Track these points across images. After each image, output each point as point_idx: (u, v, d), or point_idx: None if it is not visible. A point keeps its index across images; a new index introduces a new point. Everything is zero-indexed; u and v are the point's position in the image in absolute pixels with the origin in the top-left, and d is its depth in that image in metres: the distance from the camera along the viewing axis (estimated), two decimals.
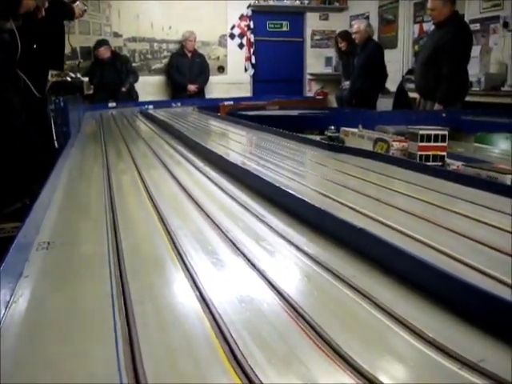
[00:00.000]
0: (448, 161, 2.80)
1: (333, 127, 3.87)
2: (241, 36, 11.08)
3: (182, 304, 1.12)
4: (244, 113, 5.99)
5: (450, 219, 1.72)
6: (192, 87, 9.83)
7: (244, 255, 1.40)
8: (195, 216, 1.81)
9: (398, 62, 9.27)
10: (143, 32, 10.46)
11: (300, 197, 1.77)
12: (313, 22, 11.52)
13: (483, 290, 1.00)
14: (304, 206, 1.72)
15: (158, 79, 10.51)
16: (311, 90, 11.52)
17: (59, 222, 1.76)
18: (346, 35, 8.56)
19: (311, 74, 11.60)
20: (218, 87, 10.59)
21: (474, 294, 1.01)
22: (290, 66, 11.48)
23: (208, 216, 1.79)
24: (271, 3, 11.20)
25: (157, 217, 1.79)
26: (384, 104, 7.69)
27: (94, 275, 1.28)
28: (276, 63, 11.20)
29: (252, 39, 11.11)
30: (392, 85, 7.82)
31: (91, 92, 8.79)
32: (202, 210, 1.87)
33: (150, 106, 7.49)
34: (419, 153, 2.79)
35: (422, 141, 2.78)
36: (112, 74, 9.11)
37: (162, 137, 4.19)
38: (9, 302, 1.10)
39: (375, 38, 8.37)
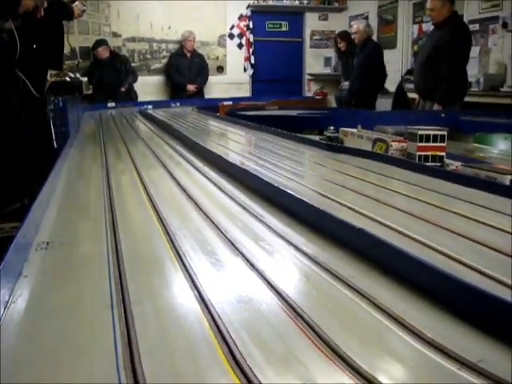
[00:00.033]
0: (447, 161, 2.80)
1: (332, 127, 3.87)
2: (240, 36, 11.08)
3: (180, 304, 1.12)
4: (243, 113, 5.99)
5: (448, 219, 1.72)
6: (191, 87, 9.83)
7: (243, 255, 1.40)
8: (194, 216, 1.81)
9: (397, 63, 9.27)
10: (142, 32, 10.45)
11: (299, 197, 1.78)
12: (312, 22, 11.52)
13: (482, 290, 1.00)
14: (303, 206, 1.72)
15: (157, 79, 10.51)
16: (310, 90, 11.52)
17: (58, 222, 1.76)
18: (345, 35, 8.56)
19: (310, 74, 11.60)
20: (217, 87, 10.59)
21: (473, 295, 1.01)
22: (289, 66, 11.47)
23: (207, 216, 1.79)
24: (270, 3, 11.20)
25: (156, 217, 1.79)
26: (383, 104, 7.69)
27: (93, 275, 1.28)
28: (275, 63, 11.19)
29: (251, 39, 11.11)
30: (391, 85, 7.82)
31: (90, 92, 8.78)
32: (201, 210, 1.87)
33: (150, 106, 7.49)
34: (418, 153, 2.79)
35: (421, 141, 2.78)
36: (111, 74, 9.11)
37: (161, 137, 4.19)
38: (8, 301, 1.10)
39: (374, 38, 8.38)
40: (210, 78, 10.38)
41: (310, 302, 1.12)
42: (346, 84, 8.18)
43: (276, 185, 1.99)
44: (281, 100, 8.31)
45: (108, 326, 0.99)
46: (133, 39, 10.45)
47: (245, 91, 10.98)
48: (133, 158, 3.08)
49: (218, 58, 11.03)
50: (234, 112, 6.19)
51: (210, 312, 1.04)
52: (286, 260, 1.39)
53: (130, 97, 9.15)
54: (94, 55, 9.35)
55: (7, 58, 3.85)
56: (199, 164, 2.81)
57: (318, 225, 1.61)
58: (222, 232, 1.61)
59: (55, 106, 5.12)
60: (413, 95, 6.75)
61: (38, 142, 4.33)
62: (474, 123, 5.16)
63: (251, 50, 11.14)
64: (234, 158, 2.98)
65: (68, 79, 6.80)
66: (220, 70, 11.05)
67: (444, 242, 1.45)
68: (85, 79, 8.42)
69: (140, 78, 9.71)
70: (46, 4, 4.19)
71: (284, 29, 11.48)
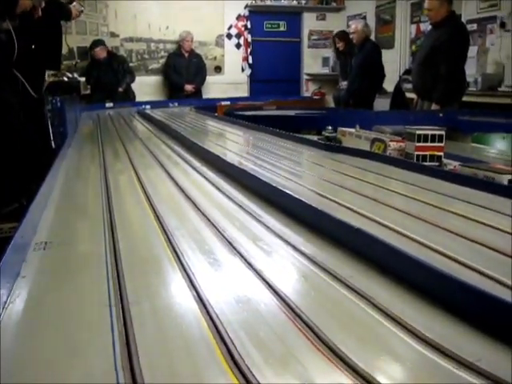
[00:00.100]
0: (445, 161, 2.81)
1: (330, 127, 3.87)
2: (238, 36, 11.07)
3: (179, 304, 1.12)
4: (241, 113, 5.99)
5: (446, 219, 1.72)
6: (189, 87, 9.83)
7: (241, 255, 1.40)
8: (192, 216, 1.81)
9: (395, 62, 9.27)
10: (140, 32, 10.44)
11: (297, 197, 1.78)
12: (310, 22, 11.52)
13: (480, 289, 1.00)
14: (301, 206, 1.72)
15: (155, 79, 10.50)
16: (308, 90, 11.51)
17: (56, 222, 1.76)
18: (343, 35, 8.56)
19: (308, 74, 11.60)
20: (215, 87, 10.58)
21: (471, 294, 1.01)
22: (287, 66, 11.47)
23: (205, 216, 1.79)
24: (268, 3, 11.20)
25: (154, 217, 1.79)
26: (381, 104, 7.69)
27: (91, 275, 1.28)
28: (273, 63, 11.19)
29: (249, 39, 11.10)
30: (389, 85, 7.82)
31: (88, 92, 8.78)
32: (198, 209, 1.87)
33: (148, 106, 7.48)
34: (416, 153, 2.79)
35: (419, 141, 2.79)
36: (109, 74, 9.09)
37: (159, 137, 4.19)
38: (6, 302, 1.10)
39: (372, 38, 8.38)
40: (207, 78, 10.37)
41: (309, 302, 1.12)
42: (344, 84, 8.18)
43: (274, 185, 1.99)
44: (279, 100, 8.30)
45: (106, 326, 0.99)
46: (130, 39, 10.44)
47: (243, 91, 10.98)
48: (131, 158, 3.08)
49: (215, 58, 11.02)
50: (231, 112, 6.18)
51: (208, 312, 1.04)
52: (285, 260, 1.40)
53: (128, 97, 9.14)
54: (92, 55, 9.33)
55: (5, 58, 3.85)
56: (197, 164, 2.81)
57: (316, 225, 1.61)
58: (219, 232, 1.61)
59: (53, 106, 5.12)
60: (411, 95, 6.76)
61: (37, 142, 4.33)
62: (472, 123, 5.17)
63: (249, 50, 11.13)
64: (232, 157, 2.98)
65: (66, 79, 6.79)
66: (218, 70, 11.05)
67: (442, 241, 1.45)
68: (83, 79, 8.42)
69: (138, 78, 9.69)
70: (43, 4, 4.19)
71: (282, 29, 11.48)
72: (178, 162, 2.98)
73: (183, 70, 10.00)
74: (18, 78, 4.04)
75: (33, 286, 1.21)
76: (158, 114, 6.24)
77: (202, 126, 5.24)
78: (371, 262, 1.30)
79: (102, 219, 1.76)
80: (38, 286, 1.22)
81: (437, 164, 2.75)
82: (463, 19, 7.34)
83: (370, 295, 1.12)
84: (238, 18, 10.99)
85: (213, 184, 2.32)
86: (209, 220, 1.73)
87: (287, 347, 0.92)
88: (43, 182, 2.16)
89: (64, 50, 6.20)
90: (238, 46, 11.13)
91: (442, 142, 2.79)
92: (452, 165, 2.77)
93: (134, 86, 9.49)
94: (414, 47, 9.11)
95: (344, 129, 3.71)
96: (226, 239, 1.53)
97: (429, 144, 2.79)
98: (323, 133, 3.92)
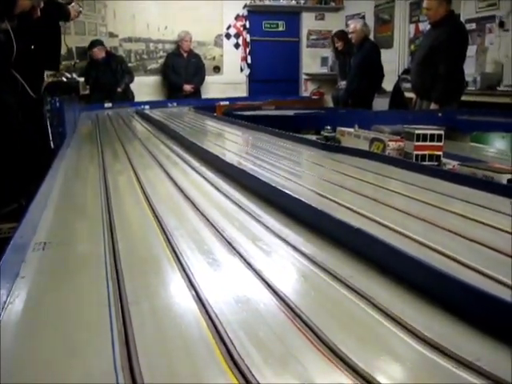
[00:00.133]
0: (444, 160, 2.81)
1: (329, 127, 3.86)
2: (237, 36, 11.07)
3: (178, 304, 1.12)
4: (240, 113, 5.98)
5: (446, 219, 1.72)
6: (188, 87, 9.82)
7: (240, 255, 1.40)
8: (191, 216, 1.81)
9: (393, 62, 9.27)
10: (139, 32, 10.44)
11: (296, 197, 1.77)
12: (309, 22, 11.52)
13: (480, 289, 1.00)
14: (300, 206, 1.72)
15: (154, 79, 10.50)
16: (307, 89, 11.51)
17: (55, 222, 1.76)
18: (342, 35, 8.55)
19: (307, 74, 11.60)
20: (214, 87, 10.58)
21: (471, 294, 1.01)
22: (286, 66, 11.47)
23: (204, 216, 1.78)
24: (267, 3, 11.20)
25: (153, 217, 1.78)
26: (380, 104, 7.69)
27: (90, 275, 1.28)
28: (272, 63, 11.19)
29: (248, 39, 11.10)
30: (388, 84, 7.82)
31: (87, 92, 8.78)
32: (198, 209, 1.87)
33: (146, 106, 7.48)
34: (415, 152, 2.79)
35: (418, 140, 2.79)
36: (107, 75, 9.09)
37: (157, 137, 4.19)
38: (5, 302, 1.10)
39: (371, 37, 8.38)
40: (206, 78, 10.37)
41: (308, 302, 1.12)
42: (342, 84, 8.18)
43: (273, 185, 1.99)
44: (278, 100, 8.31)
45: (105, 326, 0.98)
46: (129, 39, 10.44)
47: (241, 91, 10.98)
48: (130, 158, 3.08)
49: (214, 58, 11.02)
50: (230, 112, 6.18)
51: (207, 312, 1.04)
52: (284, 260, 1.39)
53: (127, 97, 9.14)
54: (90, 56, 9.33)
55: (4, 58, 3.85)
56: (196, 164, 2.81)
57: (315, 225, 1.61)
58: (219, 232, 1.60)
59: (52, 107, 5.11)
60: (410, 95, 6.76)
61: (36, 142, 4.33)
62: (471, 122, 5.17)
63: (248, 50, 11.13)
64: (231, 157, 2.97)
65: (65, 80, 6.78)
66: (217, 70, 11.05)
67: (441, 241, 1.45)
68: (81, 80, 8.42)
69: (137, 79, 9.69)
70: (42, 4, 4.18)
71: (281, 28, 11.48)
72: (177, 162, 2.98)
73: (182, 70, 9.99)
74: (17, 78, 4.04)
75: (32, 287, 1.21)
76: (156, 114, 6.24)
77: (201, 125, 5.24)
78: (371, 262, 1.30)
79: (101, 219, 1.76)
80: (37, 287, 1.22)
81: (436, 163, 2.75)
82: (462, 18, 7.35)
83: (370, 295, 1.12)
84: (237, 17, 11.00)
85: (212, 184, 2.32)
86: (208, 220, 1.73)
87: (287, 347, 0.92)
88: (42, 182, 2.16)
89: (63, 51, 6.19)
90: (236, 45, 11.13)
91: (440, 141, 2.79)
92: (451, 164, 2.77)
93: (132, 86, 9.49)
94: (412, 47, 9.12)
95: (343, 128, 3.71)
96: (226, 239, 1.53)
97: (428, 143, 2.79)
98: (322, 132, 3.91)
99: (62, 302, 1.12)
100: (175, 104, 8.11)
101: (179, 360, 0.88)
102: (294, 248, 1.46)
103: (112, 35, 10.28)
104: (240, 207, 1.91)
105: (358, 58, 7.49)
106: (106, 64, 9.18)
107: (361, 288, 1.16)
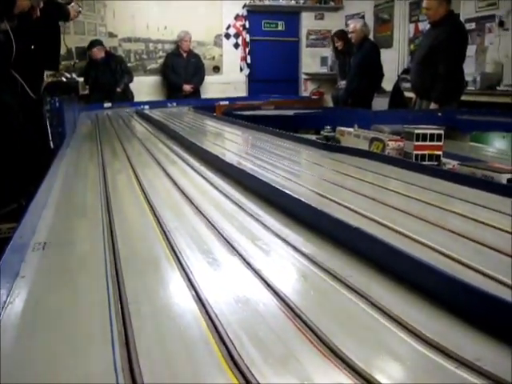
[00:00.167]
0: (444, 160, 2.81)
1: (328, 127, 3.86)
2: (236, 36, 11.07)
3: (178, 304, 1.12)
4: (239, 113, 5.98)
5: (445, 218, 1.72)
6: (187, 87, 9.82)
7: (240, 255, 1.40)
8: (191, 216, 1.81)
9: (393, 62, 9.26)
10: (138, 32, 10.44)
11: (296, 196, 1.77)
12: (308, 22, 11.52)
13: (480, 289, 1.00)
14: (300, 205, 1.72)
15: (154, 79, 10.50)
16: (307, 89, 11.52)
17: (55, 222, 1.76)
18: (342, 35, 8.55)
19: (307, 74, 11.60)
20: (214, 87, 10.58)
21: (471, 294, 1.01)
22: (286, 66, 11.47)
23: (204, 215, 1.78)
24: (266, 3, 11.20)
25: (152, 217, 1.78)
26: (380, 103, 7.69)
27: (90, 275, 1.28)
28: (271, 63, 11.19)
29: (247, 39, 11.11)
30: (387, 84, 7.82)
31: (86, 92, 8.77)
32: (197, 209, 1.87)
33: (146, 106, 7.48)
34: (415, 152, 2.79)
35: (417, 140, 2.79)
36: (107, 75, 9.08)
37: (157, 137, 4.19)
38: (5, 302, 1.10)
39: (370, 37, 8.37)
40: (206, 77, 10.37)
41: (308, 302, 1.12)
42: (342, 83, 8.17)
43: (273, 184, 1.99)
44: (277, 100, 8.31)
45: (105, 326, 0.98)
46: (129, 39, 10.44)
47: (241, 91, 10.97)
48: (129, 158, 3.08)
49: (214, 57, 11.02)
50: (230, 112, 6.18)
51: (207, 312, 1.04)
52: (284, 260, 1.39)
53: (127, 97, 9.14)
54: (90, 56, 9.32)
55: (3, 59, 3.84)
56: (196, 164, 2.81)
57: (315, 224, 1.61)
58: (218, 231, 1.60)
59: (51, 107, 5.11)
60: (409, 94, 6.76)
61: (36, 142, 4.33)
62: (471, 122, 5.17)
63: (247, 50, 11.14)
64: (230, 157, 2.97)
65: (64, 80, 6.78)
66: (216, 69, 11.05)
67: (441, 240, 1.45)
68: (81, 80, 8.41)
69: (136, 79, 9.69)
70: (41, 4, 4.18)
71: (280, 28, 11.48)
72: (177, 161, 2.98)
73: (181, 70, 9.99)
74: (17, 78, 4.04)
75: (32, 286, 1.21)
76: (156, 114, 6.24)
77: (201, 125, 5.24)
78: (370, 262, 1.30)
79: (100, 219, 1.76)
80: (37, 286, 1.21)
81: (435, 163, 2.75)
82: (462, 18, 7.34)
83: (370, 295, 1.12)
84: (237, 17, 11.00)
85: (211, 184, 2.32)
86: (208, 220, 1.73)
87: (287, 347, 0.92)
88: (42, 182, 2.16)
89: (62, 51, 6.18)
90: (236, 45, 11.13)
91: (440, 141, 2.79)
92: (451, 164, 2.77)
93: (132, 86, 9.49)
94: (412, 46, 9.12)
95: (342, 128, 3.71)
96: (225, 239, 1.53)
97: (427, 143, 2.79)
98: (322, 132, 3.91)
99: (61, 302, 1.12)
100: (175, 104, 8.11)
101: (179, 360, 0.88)
102: (294, 248, 1.46)
103: (111, 35, 10.28)
104: (240, 207, 1.91)
105: (358, 57, 7.49)
106: (105, 64, 9.17)
107: (360, 288, 1.16)
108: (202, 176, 2.49)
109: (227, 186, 2.26)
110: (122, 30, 10.33)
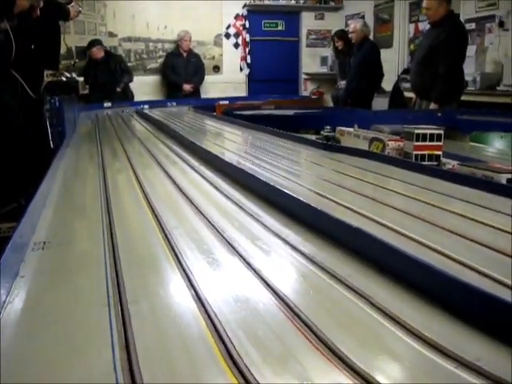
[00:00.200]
0: (443, 160, 2.81)
1: (328, 127, 3.86)
2: (236, 35, 11.07)
3: (177, 303, 1.12)
4: (239, 112, 5.98)
5: (445, 218, 1.72)
6: (187, 87, 9.82)
7: (240, 255, 1.40)
8: (190, 215, 1.81)
9: (393, 62, 9.26)
10: (138, 32, 10.43)
11: (296, 196, 1.78)
12: (308, 22, 11.51)
13: (479, 289, 1.00)
14: (300, 205, 1.72)
15: (154, 79, 10.49)
16: (307, 89, 11.51)
17: (55, 221, 1.76)
18: (342, 34, 8.54)
19: (307, 74, 11.59)
20: (214, 87, 10.58)
21: (470, 293, 1.01)
22: (286, 66, 11.46)
23: (203, 215, 1.78)
24: (267, 3, 11.19)
25: (152, 216, 1.78)
26: (379, 103, 7.69)
27: (89, 275, 1.28)
28: (271, 63, 11.18)
29: (247, 39, 11.10)
30: (387, 84, 7.82)
31: (86, 92, 8.77)
32: (197, 209, 1.87)
33: (146, 106, 7.48)
34: (415, 152, 2.79)
35: (417, 140, 2.79)
36: (106, 74, 9.07)
37: (157, 136, 4.19)
38: (5, 301, 1.10)
39: (370, 37, 8.37)
40: (206, 77, 10.36)
41: (307, 302, 1.12)
42: (342, 83, 8.17)
43: (273, 184, 1.99)
44: (277, 99, 8.29)
45: (105, 326, 0.98)
46: (129, 39, 10.44)
47: (241, 91, 10.96)
48: (129, 158, 3.08)
49: (214, 57, 11.01)
50: (230, 111, 6.18)
51: (206, 311, 1.04)
52: (283, 259, 1.39)
53: (126, 97, 9.13)
54: (89, 55, 9.32)
55: (3, 58, 3.84)
56: (195, 163, 2.81)
57: (315, 224, 1.61)
58: (218, 231, 1.61)
59: (51, 106, 5.11)
60: (409, 94, 6.76)
61: (36, 142, 4.33)
62: (471, 122, 5.17)
63: (247, 50, 11.13)
64: (230, 157, 2.97)
65: (64, 79, 6.78)
66: (216, 69, 11.04)
67: (440, 240, 1.45)
68: (81, 79, 8.40)
69: (136, 78, 9.68)
70: (42, 4, 4.18)
71: (280, 28, 11.47)
72: (177, 161, 2.98)
73: (181, 69, 9.99)
74: (17, 78, 4.03)
75: (31, 286, 1.21)
76: (156, 113, 6.24)
77: (201, 125, 5.24)
78: (370, 262, 1.30)
79: (100, 219, 1.76)
80: (36, 286, 1.22)
81: (435, 163, 2.75)
82: (462, 18, 7.33)
83: (369, 294, 1.12)
84: (237, 17, 10.99)
85: (211, 183, 2.32)
86: (207, 219, 1.73)
87: (286, 346, 0.92)
88: (42, 181, 2.16)
89: (62, 50, 6.18)
90: (236, 45, 11.12)
91: (440, 141, 2.79)
92: (450, 164, 2.76)
93: (132, 85, 9.48)
94: (412, 46, 9.11)
95: (342, 128, 3.71)
96: (225, 239, 1.53)
97: (427, 143, 2.79)
98: (322, 132, 3.92)
99: (61, 302, 1.12)
100: (175, 104, 8.10)
101: (178, 359, 0.88)
102: (293, 247, 1.46)
103: (111, 35, 10.27)
104: (239, 207, 1.91)
105: (358, 57, 7.48)
106: (104, 64, 9.16)
107: (359, 287, 1.16)
108: (202, 176, 2.49)
109: (227, 185, 2.26)
110: (122, 29, 10.33)
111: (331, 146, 3.26)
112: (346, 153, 3.03)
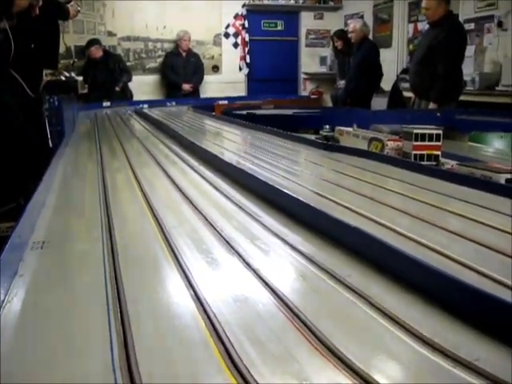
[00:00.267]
0: (442, 160, 2.81)
1: (328, 126, 3.86)
2: (235, 35, 11.07)
3: (176, 303, 1.12)
4: (239, 112, 5.98)
5: (444, 218, 1.72)
6: (187, 86, 9.82)
7: (239, 254, 1.40)
8: (190, 215, 1.81)
9: (392, 62, 9.26)
10: (138, 31, 10.44)
11: (295, 196, 1.77)
12: (307, 22, 11.52)
13: (477, 288, 1.00)
14: (299, 205, 1.72)
15: (153, 78, 10.50)
16: (306, 89, 11.51)
17: (54, 221, 1.76)
18: (342, 34, 8.54)
19: (306, 74, 11.60)
20: (213, 86, 10.58)
21: (468, 293, 1.01)
22: (285, 66, 11.47)
23: (203, 215, 1.78)
24: (266, 2, 11.19)
25: (151, 216, 1.78)
26: (379, 103, 7.69)
27: (88, 274, 1.28)
28: (270, 62, 11.19)
29: (247, 38, 11.10)
30: (386, 84, 7.82)
31: (85, 91, 8.76)
32: (196, 209, 1.87)
33: (145, 106, 7.48)
34: (414, 152, 2.79)
35: (416, 140, 2.79)
36: (105, 74, 9.07)
37: (156, 136, 4.19)
38: (3, 301, 1.10)
39: (370, 37, 8.36)
40: (205, 77, 10.37)
41: (307, 301, 1.12)
42: (341, 83, 8.17)
43: (272, 184, 1.99)
44: (276, 99, 8.29)
45: (104, 325, 0.98)
46: (128, 38, 10.44)
47: (240, 90, 10.96)
48: (128, 158, 3.08)
49: (213, 57, 11.02)
50: (229, 111, 6.18)
51: (205, 311, 1.04)
52: (283, 259, 1.39)
53: (126, 96, 9.13)
54: (88, 55, 9.32)
55: (2, 58, 3.84)
56: (195, 163, 2.81)
57: (314, 224, 1.61)
58: (217, 231, 1.60)
59: (50, 106, 5.10)
60: (408, 94, 6.76)
61: (36, 141, 4.32)
62: (470, 122, 5.17)
63: (247, 49, 11.13)
64: (229, 157, 2.97)
65: (63, 78, 6.77)
66: (215, 69, 11.04)
67: (439, 240, 1.45)
68: (80, 78, 8.40)
69: (135, 78, 9.68)
70: (41, 3, 4.17)
71: (279, 28, 11.48)
72: (176, 161, 2.98)
73: (181, 69, 9.99)
74: (16, 78, 4.03)
75: (30, 286, 1.21)
76: (155, 113, 6.24)
77: (200, 125, 5.24)
78: (369, 261, 1.30)
79: (99, 218, 1.76)
80: (35, 286, 1.21)
81: (434, 163, 2.75)
82: (461, 18, 7.33)
83: (368, 294, 1.12)
84: (236, 17, 10.99)
85: (210, 183, 2.32)
86: (206, 219, 1.73)
87: (285, 346, 0.92)
88: (40, 181, 2.16)
89: (61, 49, 6.18)
90: (235, 45, 11.12)
91: (439, 141, 2.79)
92: (449, 164, 2.76)
93: (131, 85, 9.49)
94: (411, 46, 9.12)
95: (341, 128, 3.71)
96: (224, 238, 1.53)
97: (426, 143, 2.78)
98: (321, 132, 3.91)
99: (60, 301, 1.12)
100: (174, 103, 8.11)
101: (177, 359, 0.88)
102: (293, 247, 1.46)
103: (111, 34, 10.27)
104: (238, 206, 1.91)
105: (357, 57, 7.48)
106: (103, 63, 9.17)
107: (359, 287, 1.16)
108: (201, 175, 2.49)
109: (226, 185, 2.26)
110: (121, 28, 10.33)
111: (330, 145, 3.26)
112: (345, 152, 3.03)
